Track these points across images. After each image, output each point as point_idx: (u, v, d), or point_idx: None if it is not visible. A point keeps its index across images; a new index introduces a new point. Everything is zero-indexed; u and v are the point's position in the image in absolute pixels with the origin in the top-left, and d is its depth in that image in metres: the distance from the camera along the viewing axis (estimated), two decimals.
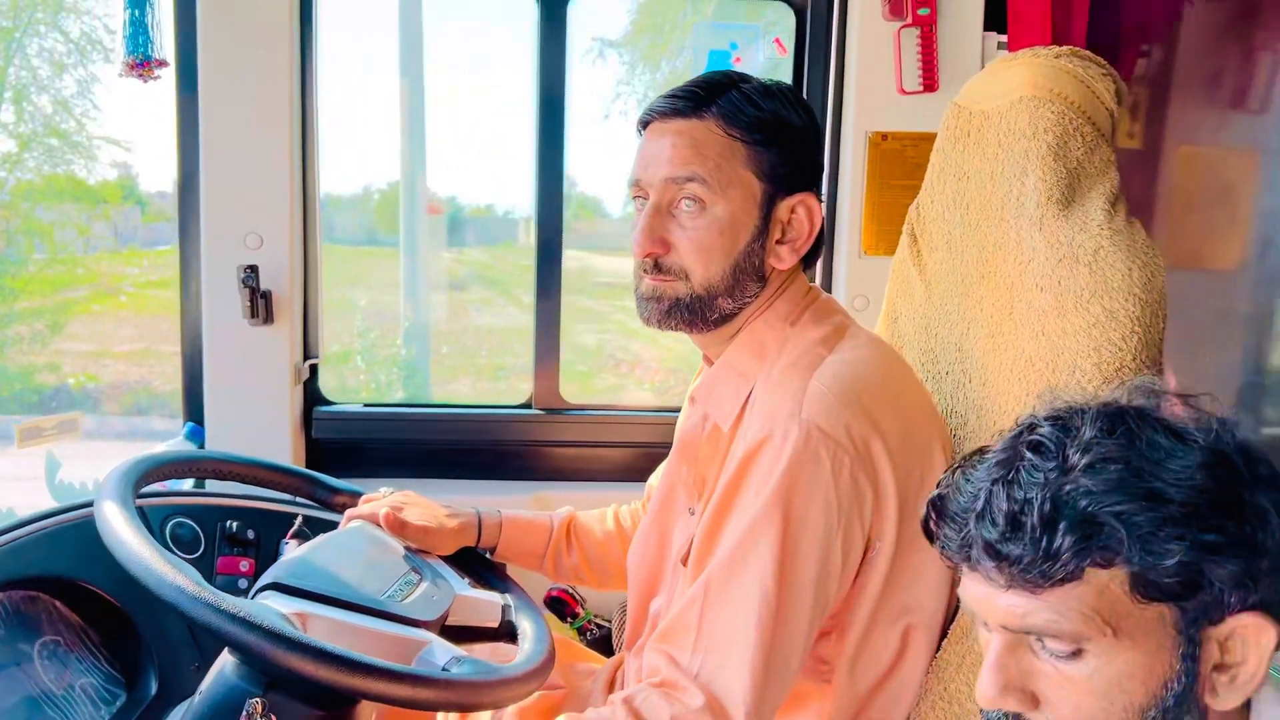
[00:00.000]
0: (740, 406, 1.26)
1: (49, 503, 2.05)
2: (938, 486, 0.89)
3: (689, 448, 1.36)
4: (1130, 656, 0.79)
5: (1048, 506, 0.78)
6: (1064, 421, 0.84)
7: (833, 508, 1.14)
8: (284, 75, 1.97)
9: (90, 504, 1.44)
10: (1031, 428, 0.85)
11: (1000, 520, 0.80)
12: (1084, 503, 0.78)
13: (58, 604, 1.47)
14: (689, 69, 2.30)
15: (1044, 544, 0.78)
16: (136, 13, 1.63)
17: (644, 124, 1.30)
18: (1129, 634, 0.79)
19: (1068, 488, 0.79)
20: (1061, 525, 0.78)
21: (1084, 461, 0.79)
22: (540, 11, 2.14)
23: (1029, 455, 0.82)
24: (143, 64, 1.66)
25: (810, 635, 1.16)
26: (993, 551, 0.80)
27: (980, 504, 0.82)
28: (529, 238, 2.26)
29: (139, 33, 1.65)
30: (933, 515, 0.88)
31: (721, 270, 1.25)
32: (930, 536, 0.89)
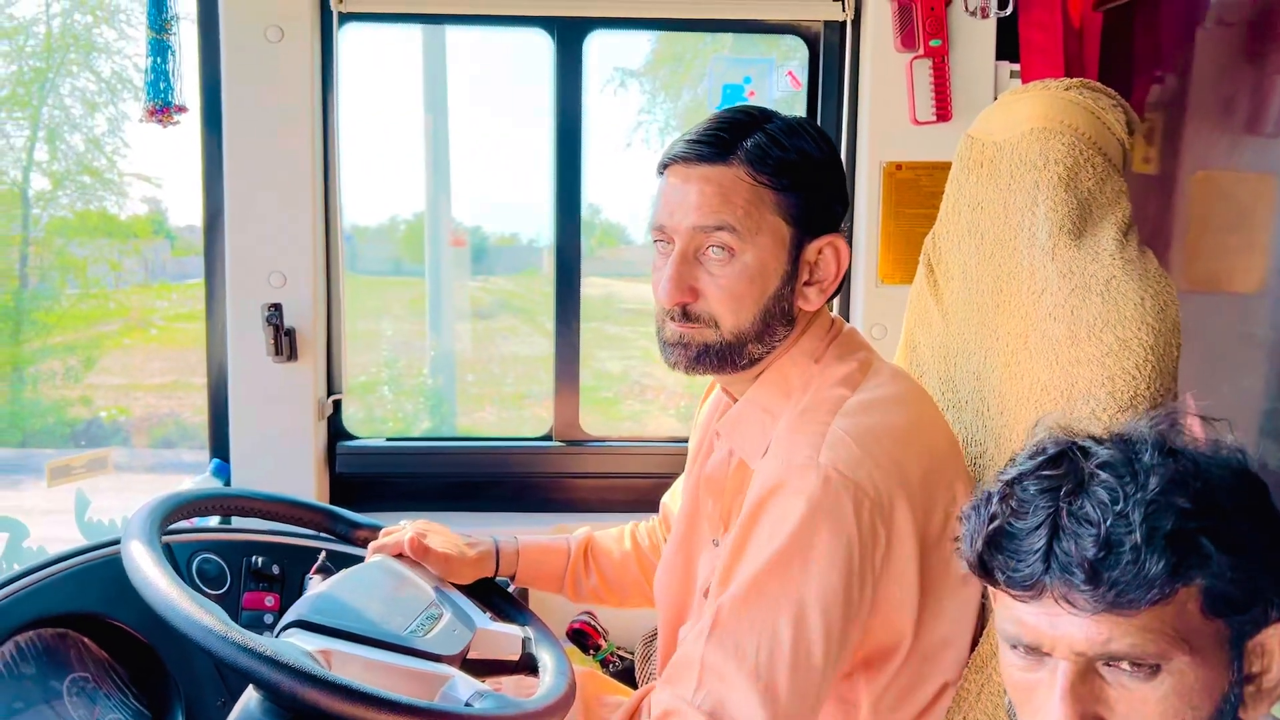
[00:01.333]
0: (768, 443, 1.25)
1: (79, 539, 2.08)
2: (986, 520, 0.86)
3: (715, 482, 1.35)
4: (1200, 673, 0.80)
5: (1144, 527, 0.78)
6: (1121, 446, 0.84)
7: (854, 551, 1.12)
8: (307, 117, 2.01)
9: (118, 541, 1.47)
10: (1085, 452, 0.85)
11: (1092, 544, 0.79)
12: (1173, 522, 0.78)
13: (86, 641, 1.49)
14: (709, 98, 2.33)
15: (1144, 565, 0.77)
16: (159, 60, 1.68)
17: (664, 166, 1.28)
18: (1199, 650, 0.80)
19: (1153, 508, 0.79)
20: (1159, 545, 0.77)
21: (1157, 483, 0.80)
22: (556, 44, 2.17)
23: (1103, 475, 0.82)
24: (162, 110, 1.71)
25: (826, 676, 1.13)
26: (1091, 575, 0.78)
27: (1049, 530, 0.81)
28: (551, 266, 2.29)
29: (160, 79, 1.70)
30: (986, 548, 0.86)
31: (751, 317, 1.24)
32: (985, 570, 0.87)
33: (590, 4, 2.11)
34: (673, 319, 1.26)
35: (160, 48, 1.67)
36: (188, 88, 1.84)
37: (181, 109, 1.72)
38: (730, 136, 1.23)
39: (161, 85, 1.68)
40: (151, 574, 1.16)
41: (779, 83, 2.29)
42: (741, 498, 1.28)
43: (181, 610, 1.11)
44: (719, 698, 1.10)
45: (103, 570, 1.48)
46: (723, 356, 1.26)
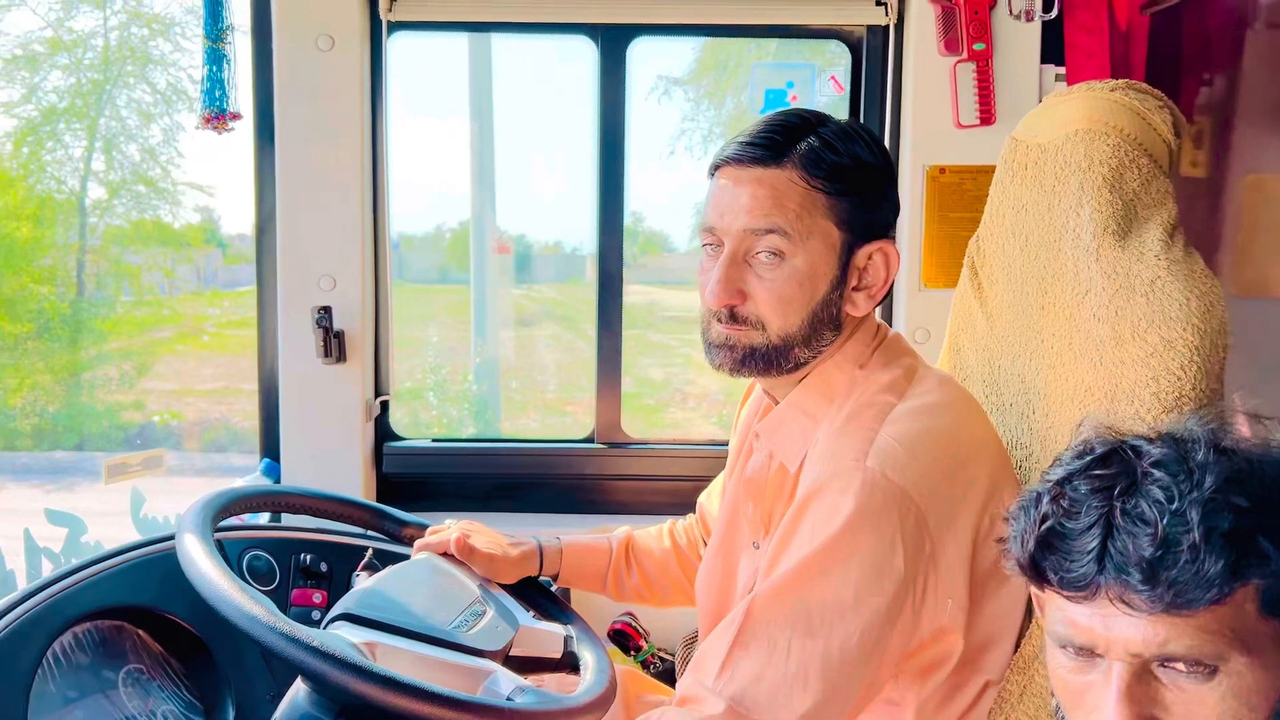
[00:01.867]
0: (807, 448, 1.25)
1: (134, 536, 2.13)
2: (1036, 520, 0.85)
3: (755, 485, 1.35)
4: (1257, 674, 0.79)
5: (1202, 526, 0.77)
6: (1172, 444, 0.84)
7: (898, 558, 1.10)
8: (356, 123, 2.05)
9: (172, 537, 1.51)
10: (1136, 451, 0.84)
11: (1149, 544, 0.78)
12: (1230, 521, 0.77)
13: (141, 633, 1.52)
14: (752, 105, 2.33)
15: (1202, 564, 0.76)
16: (214, 69, 1.73)
17: (716, 167, 1.28)
18: (1256, 650, 0.79)
19: (1210, 507, 0.78)
20: (1218, 544, 0.77)
21: (1213, 481, 0.79)
22: (600, 52, 2.19)
23: (1157, 474, 0.81)
24: (218, 117, 1.75)
25: (862, 679, 1.11)
26: (1148, 575, 0.77)
27: (1103, 529, 0.80)
28: (595, 274, 2.31)
29: (215, 87, 1.74)
30: (1038, 549, 0.85)
31: (799, 320, 1.23)
32: (1037, 571, 0.86)
33: (634, 11, 2.12)
34: (719, 321, 1.26)
35: (216, 56, 1.71)
36: (241, 96, 1.89)
37: (236, 116, 1.77)
38: (784, 139, 1.22)
39: (217, 93, 1.73)
40: (203, 565, 1.19)
41: (822, 88, 2.29)
42: (782, 501, 1.28)
43: (231, 601, 1.13)
44: (742, 687, 1.09)
45: (157, 565, 1.51)
46: (769, 359, 1.25)
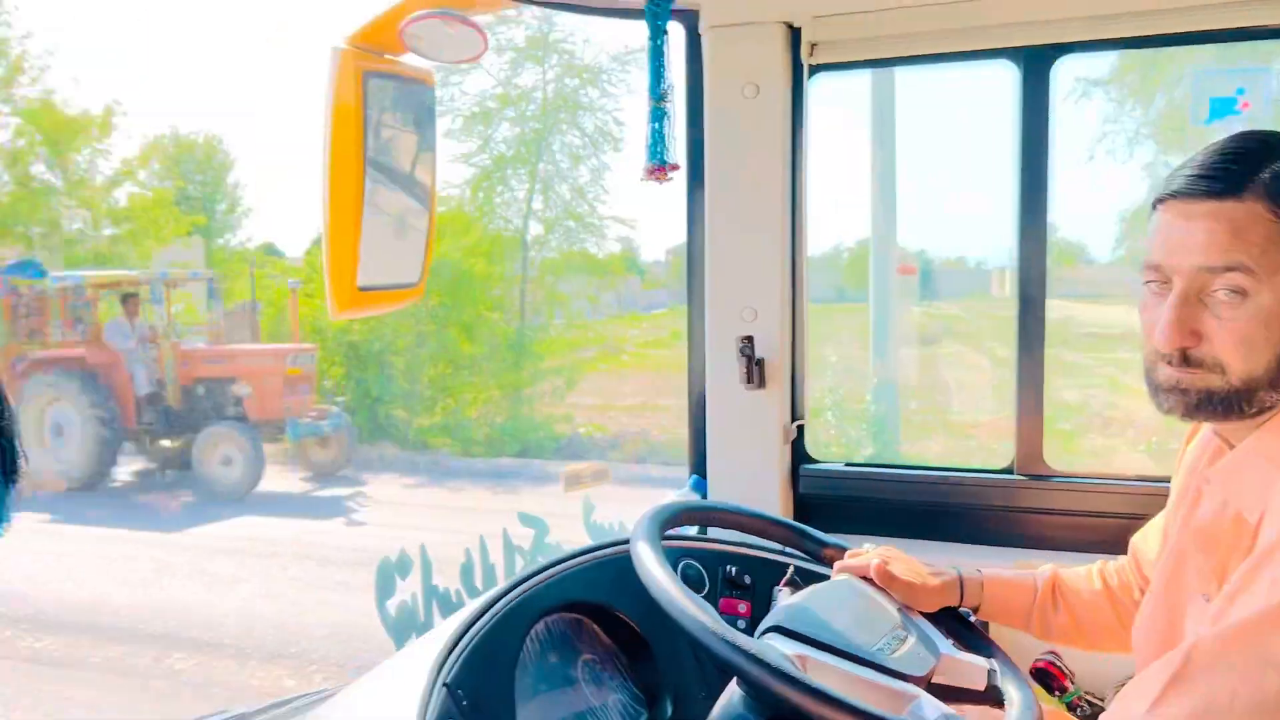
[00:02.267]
0: (1270, 497, 1.16)
1: (585, 539, 2.41)
2: None
3: (1207, 535, 1.27)
4: None
5: None
6: None
7: None
8: (778, 164, 2.17)
9: (619, 542, 1.70)
10: None
11: None
12: None
13: (596, 628, 1.72)
14: (1189, 108, 2.15)
15: None
16: (657, 125, 1.90)
17: (1160, 201, 1.22)
18: None
19: None
20: None
21: None
22: (1022, 74, 2.12)
23: None
24: (659, 169, 1.93)
25: None
26: None
27: None
28: (1001, 288, 2.25)
29: (658, 142, 1.92)
30: None
31: (1265, 362, 1.16)
32: None
33: (1062, 30, 2.04)
34: (1169, 363, 1.21)
35: (659, 114, 1.89)
36: (676, 149, 2.06)
37: (675, 167, 1.93)
38: (1240, 168, 1.15)
39: (658, 148, 1.90)
40: (657, 572, 1.34)
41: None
42: (1239, 553, 1.18)
43: (682, 607, 1.26)
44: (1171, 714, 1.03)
45: (610, 566, 1.69)
46: (1228, 404, 1.18)
